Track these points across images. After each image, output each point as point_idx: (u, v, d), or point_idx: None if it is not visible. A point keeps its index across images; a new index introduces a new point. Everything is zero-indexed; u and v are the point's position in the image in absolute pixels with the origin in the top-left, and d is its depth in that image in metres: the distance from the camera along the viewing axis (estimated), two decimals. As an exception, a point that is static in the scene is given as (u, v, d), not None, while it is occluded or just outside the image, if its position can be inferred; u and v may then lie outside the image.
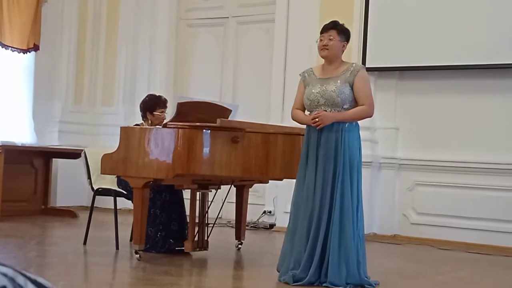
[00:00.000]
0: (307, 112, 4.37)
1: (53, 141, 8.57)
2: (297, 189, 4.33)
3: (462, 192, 6.75)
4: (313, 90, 4.29)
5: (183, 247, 5.23)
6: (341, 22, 4.41)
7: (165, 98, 5.71)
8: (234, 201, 5.84)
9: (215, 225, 5.40)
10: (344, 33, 4.35)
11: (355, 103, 4.26)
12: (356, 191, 4.20)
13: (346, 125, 4.22)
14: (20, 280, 1.15)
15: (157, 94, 5.80)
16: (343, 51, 4.37)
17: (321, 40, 4.32)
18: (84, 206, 8.27)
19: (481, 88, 6.81)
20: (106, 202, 6.44)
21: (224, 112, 4.93)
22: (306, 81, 4.39)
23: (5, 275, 1.11)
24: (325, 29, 4.34)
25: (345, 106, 4.23)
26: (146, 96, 5.75)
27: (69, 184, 8.47)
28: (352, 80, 4.24)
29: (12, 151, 7.46)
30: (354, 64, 4.37)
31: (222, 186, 5.31)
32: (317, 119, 4.18)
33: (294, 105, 4.47)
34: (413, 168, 7.06)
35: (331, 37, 4.29)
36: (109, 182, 5.63)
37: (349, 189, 4.16)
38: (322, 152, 4.20)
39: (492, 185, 6.61)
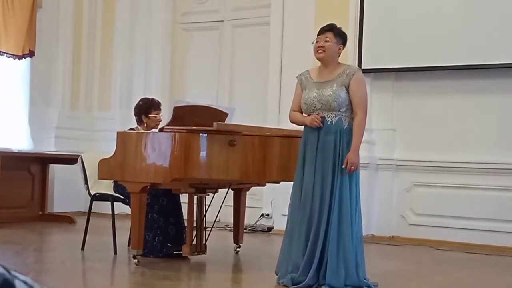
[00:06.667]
0: (304, 115, 4.37)
1: (49, 147, 8.55)
2: (294, 192, 4.33)
3: (460, 193, 6.76)
4: (309, 95, 4.28)
5: (181, 251, 5.22)
6: (337, 25, 4.41)
7: (158, 101, 5.73)
8: (232, 204, 5.84)
9: (213, 228, 5.39)
10: (341, 36, 4.34)
11: (351, 105, 4.26)
12: (355, 193, 4.21)
13: (345, 127, 4.22)
14: None
15: (150, 97, 5.82)
16: (339, 54, 4.36)
17: (317, 41, 4.32)
18: (82, 211, 8.26)
19: (478, 88, 6.82)
20: (104, 207, 6.43)
21: (220, 115, 4.93)
22: (303, 84, 4.39)
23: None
24: (322, 31, 4.34)
25: (341, 110, 4.22)
26: (140, 100, 5.76)
27: (66, 190, 8.46)
28: (348, 83, 4.24)
29: (9, 157, 7.44)
30: (349, 66, 4.38)
31: (219, 190, 5.31)
32: (315, 123, 4.18)
33: (291, 107, 4.47)
34: (410, 169, 7.07)
35: (327, 39, 4.28)
36: (106, 187, 5.62)
37: (347, 191, 4.16)
38: (320, 154, 4.20)
39: (489, 185, 6.62)
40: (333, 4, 7.33)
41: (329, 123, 4.21)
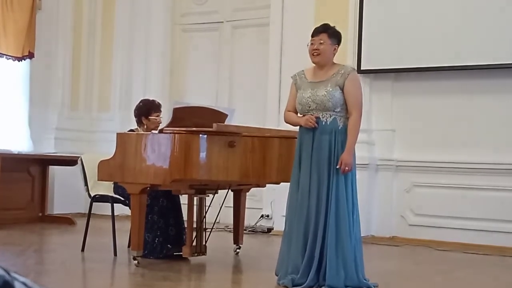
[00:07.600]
0: (299, 115, 4.37)
1: (49, 149, 8.55)
2: (291, 193, 4.32)
3: (460, 193, 6.76)
4: (304, 95, 4.28)
5: (181, 252, 5.23)
6: (334, 25, 4.39)
7: (158, 102, 5.73)
8: (232, 205, 5.84)
9: (213, 229, 5.39)
10: (335, 36, 4.32)
11: (346, 105, 4.25)
12: (351, 193, 4.20)
13: (340, 127, 4.21)
14: None
15: (151, 99, 5.81)
16: (335, 54, 4.34)
17: (312, 44, 4.30)
18: (82, 213, 8.26)
19: (478, 89, 6.83)
20: (104, 208, 6.43)
21: (220, 116, 4.93)
22: (298, 84, 4.38)
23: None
24: (316, 33, 4.32)
25: (336, 110, 4.21)
26: (140, 102, 5.76)
27: (66, 191, 8.46)
28: (343, 83, 4.22)
29: (9, 159, 7.44)
30: (344, 66, 4.35)
31: (219, 191, 5.31)
32: (310, 123, 4.18)
33: (286, 107, 4.47)
34: (410, 169, 7.07)
35: (322, 41, 4.26)
36: (106, 188, 5.62)
37: (344, 192, 4.15)
38: (316, 155, 4.19)
39: (489, 185, 6.62)
40: (332, 5, 7.34)
41: (324, 123, 4.21)
